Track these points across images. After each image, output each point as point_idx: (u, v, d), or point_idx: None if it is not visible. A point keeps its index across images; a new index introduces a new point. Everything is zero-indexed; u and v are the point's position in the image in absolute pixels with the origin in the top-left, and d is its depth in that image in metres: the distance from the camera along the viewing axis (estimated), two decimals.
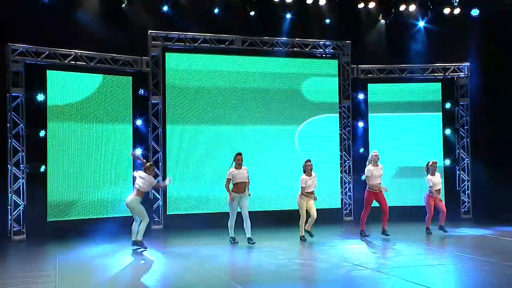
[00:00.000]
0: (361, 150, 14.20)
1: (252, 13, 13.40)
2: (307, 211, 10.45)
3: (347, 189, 14.14)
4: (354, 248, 9.73)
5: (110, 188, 12.22)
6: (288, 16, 13.79)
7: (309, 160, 10.63)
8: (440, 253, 9.37)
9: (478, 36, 14.12)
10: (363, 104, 14.43)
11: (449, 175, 14.28)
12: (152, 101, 12.76)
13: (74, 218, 11.82)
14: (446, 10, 14.10)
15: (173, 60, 13.01)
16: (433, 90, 14.49)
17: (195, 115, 13.08)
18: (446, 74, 14.49)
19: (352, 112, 14.26)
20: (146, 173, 9.74)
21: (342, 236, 11.77)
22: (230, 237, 10.22)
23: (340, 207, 14.02)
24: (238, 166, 10.09)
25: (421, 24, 14.43)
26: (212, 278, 7.54)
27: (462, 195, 14.37)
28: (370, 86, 14.41)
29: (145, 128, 12.77)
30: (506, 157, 13.66)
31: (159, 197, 12.69)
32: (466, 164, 14.34)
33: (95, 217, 12.03)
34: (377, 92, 14.41)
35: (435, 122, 14.37)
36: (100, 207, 12.13)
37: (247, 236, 10.07)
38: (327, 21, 14.07)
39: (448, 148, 14.42)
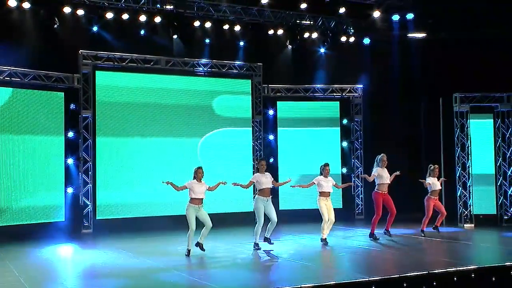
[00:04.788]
0: (271, 159, 16.01)
1: (175, 36, 14.80)
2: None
3: None
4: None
5: (42, 195, 13.10)
6: (207, 40, 15.28)
7: (327, 164, 11.25)
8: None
9: (369, 61, 16.24)
10: (273, 119, 16.24)
11: (345, 181, 16.30)
12: (83, 115, 13.83)
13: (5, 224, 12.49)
14: (343, 38, 16.28)
15: (102, 78, 14.15)
16: (332, 108, 16.56)
17: (123, 128, 14.28)
18: (343, 94, 16.68)
19: (263, 126, 16.02)
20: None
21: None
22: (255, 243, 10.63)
23: (253, 210, 15.67)
24: (262, 171, 10.63)
25: (322, 50, 16.51)
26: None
27: (357, 199, 16.58)
28: (279, 104, 16.25)
29: (76, 139, 13.79)
30: (392, 166, 15.98)
31: (89, 204, 13.76)
32: (360, 172, 16.46)
33: (31, 222, 12.87)
34: (285, 109, 16.27)
35: (334, 136, 16.47)
36: (33, 213, 13.01)
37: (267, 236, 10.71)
38: (241, 44, 15.79)
39: (345, 158, 16.57)
